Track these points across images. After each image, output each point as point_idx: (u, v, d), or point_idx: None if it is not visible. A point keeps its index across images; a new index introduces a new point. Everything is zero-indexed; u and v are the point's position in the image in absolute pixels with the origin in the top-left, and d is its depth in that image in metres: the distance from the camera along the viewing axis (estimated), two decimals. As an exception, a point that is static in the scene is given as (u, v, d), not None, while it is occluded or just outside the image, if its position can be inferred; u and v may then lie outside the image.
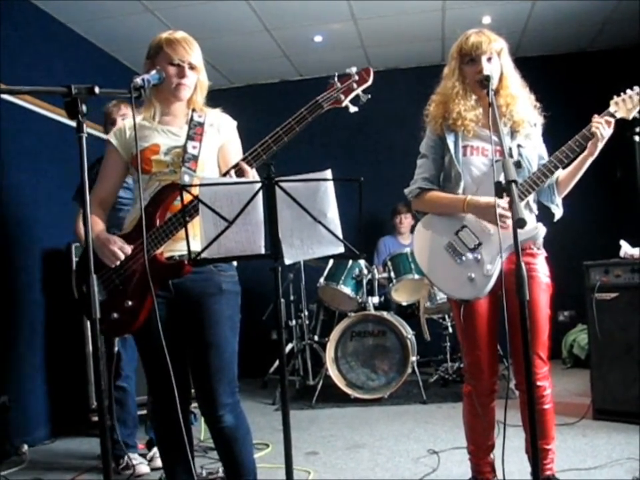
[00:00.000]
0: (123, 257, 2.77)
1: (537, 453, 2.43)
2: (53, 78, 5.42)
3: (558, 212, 3.19)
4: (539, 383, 3.07)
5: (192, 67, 2.87)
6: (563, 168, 3.03)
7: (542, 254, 3.17)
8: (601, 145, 2.96)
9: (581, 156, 3.03)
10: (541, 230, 3.07)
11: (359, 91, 2.83)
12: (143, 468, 4.20)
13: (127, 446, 4.20)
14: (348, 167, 7.32)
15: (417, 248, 3.25)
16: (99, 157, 4.27)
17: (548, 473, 3.22)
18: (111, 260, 2.79)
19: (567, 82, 7.42)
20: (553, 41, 7.36)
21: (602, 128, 2.92)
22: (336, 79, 2.81)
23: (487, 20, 6.55)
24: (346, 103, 2.83)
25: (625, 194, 6.39)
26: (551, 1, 6.29)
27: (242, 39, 6.84)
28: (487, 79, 2.82)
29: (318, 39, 7.02)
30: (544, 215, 3.19)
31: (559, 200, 3.18)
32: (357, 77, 2.81)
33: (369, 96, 2.83)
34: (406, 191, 3.24)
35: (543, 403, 3.11)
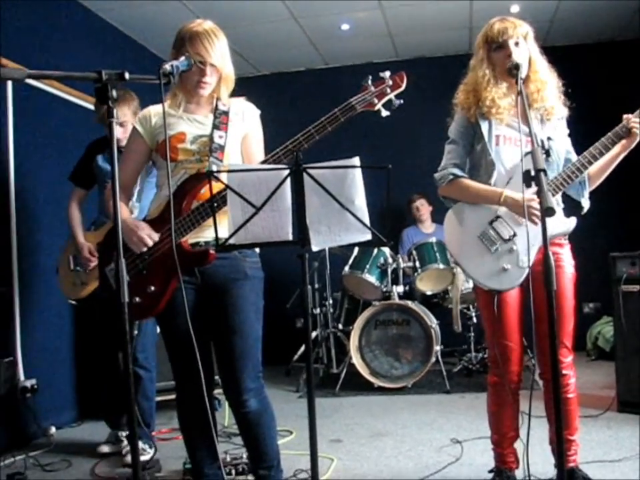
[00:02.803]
0: (151, 243, 2.80)
1: (562, 443, 2.42)
2: (80, 65, 5.44)
3: (586, 204, 3.17)
4: (563, 372, 3.06)
5: (213, 65, 2.86)
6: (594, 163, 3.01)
7: (567, 244, 3.16)
8: (635, 143, 2.95)
9: (614, 152, 3.00)
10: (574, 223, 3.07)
11: (391, 95, 2.85)
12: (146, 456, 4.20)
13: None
14: (371, 156, 7.31)
15: (448, 235, 3.23)
16: (93, 140, 4.32)
17: (571, 464, 3.21)
18: (139, 246, 2.82)
19: (596, 72, 7.34)
20: (582, 30, 7.29)
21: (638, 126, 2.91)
22: (370, 82, 2.82)
23: (515, 9, 6.48)
24: (379, 106, 2.85)
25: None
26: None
27: (269, 27, 6.84)
28: (517, 67, 2.80)
29: (345, 27, 6.99)
30: (569, 207, 3.17)
31: (587, 193, 3.16)
32: (390, 82, 2.84)
33: (401, 101, 2.85)
34: (436, 175, 3.20)
35: (567, 392, 3.10)
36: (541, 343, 3.03)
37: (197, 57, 2.80)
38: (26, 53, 4.96)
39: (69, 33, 5.65)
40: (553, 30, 7.12)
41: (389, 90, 2.84)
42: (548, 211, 2.18)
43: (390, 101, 2.86)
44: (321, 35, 7.20)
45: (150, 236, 2.81)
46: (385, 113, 2.87)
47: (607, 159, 3.05)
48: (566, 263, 3.10)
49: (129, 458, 4.12)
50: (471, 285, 5.88)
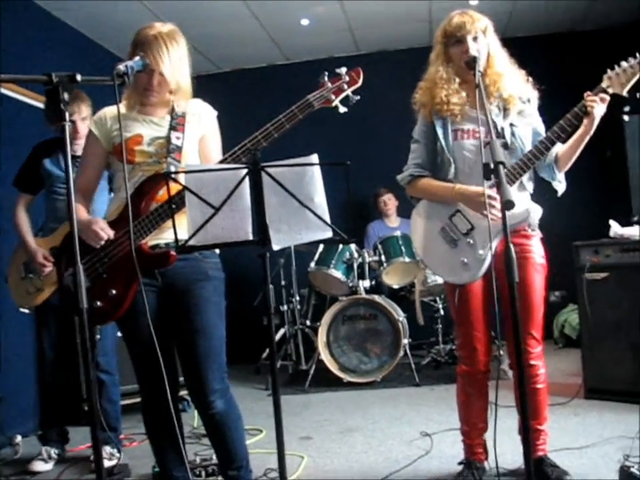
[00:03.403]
0: (105, 237, 2.75)
1: (528, 433, 2.43)
2: (37, 66, 5.36)
3: (560, 187, 3.17)
4: (532, 362, 3.10)
5: (162, 74, 2.81)
6: (563, 142, 3.01)
7: (536, 235, 3.17)
8: (597, 122, 2.93)
9: (578, 133, 2.99)
10: (535, 212, 3.07)
11: (349, 91, 2.85)
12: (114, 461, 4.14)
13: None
14: (333, 151, 7.28)
15: (413, 233, 3.28)
16: (39, 143, 4.22)
17: (540, 453, 3.25)
18: (95, 241, 2.77)
19: (555, 62, 7.38)
20: (541, 21, 7.33)
21: (597, 106, 2.89)
22: (326, 78, 2.82)
23: (474, 1, 6.51)
24: (336, 102, 2.85)
25: (614, 173, 6.41)
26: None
27: (228, 23, 6.79)
28: (474, 60, 2.80)
29: (305, 22, 6.98)
30: (545, 191, 3.18)
31: (560, 176, 3.15)
32: (347, 78, 2.83)
33: (359, 97, 2.84)
34: (398, 177, 3.25)
35: (536, 382, 3.14)
36: (509, 334, 3.04)
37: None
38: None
39: (24, 33, 5.55)
40: (512, 22, 7.15)
41: (345, 86, 2.84)
42: (507, 204, 2.18)
43: (347, 97, 2.86)
44: (280, 30, 7.18)
45: (104, 230, 2.76)
46: (342, 109, 2.87)
47: (572, 142, 3.03)
48: (534, 254, 3.11)
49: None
50: (436, 277, 5.94)
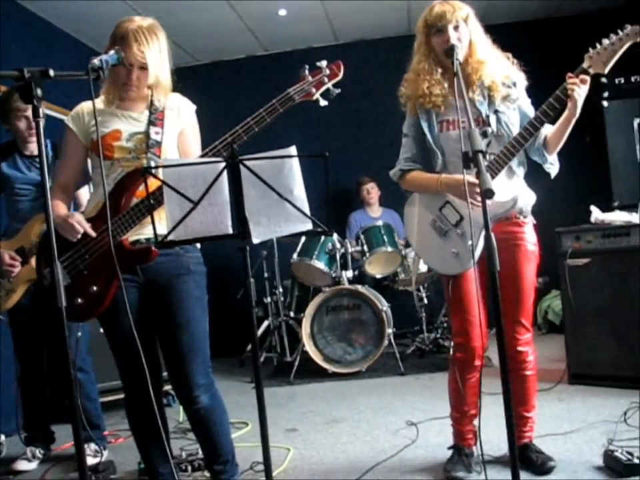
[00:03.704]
0: (81, 230, 2.72)
1: (511, 419, 2.42)
2: (12, 61, 5.30)
3: (553, 169, 3.15)
4: (520, 349, 3.13)
5: (143, 68, 2.79)
6: (551, 123, 2.99)
7: (529, 222, 3.18)
8: (580, 104, 2.89)
9: (563, 117, 2.97)
10: (528, 198, 3.08)
11: (329, 85, 2.84)
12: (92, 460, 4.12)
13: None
14: (314, 141, 7.30)
15: (407, 226, 3.30)
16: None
17: (526, 440, 3.27)
18: (71, 234, 2.74)
19: (534, 48, 7.37)
20: (519, 8, 7.33)
21: (578, 88, 2.87)
22: (307, 71, 2.81)
23: (452, -12, 6.50)
24: (317, 96, 2.84)
25: (594, 159, 6.42)
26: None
27: (205, 14, 6.73)
28: (452, 48, 2.78)
29: (282, 12, 6.93)
30: (538, 175, 3.17)
31: (551, 158, 3.12)
32: (327, 71, 2.83)
33: (339, 90, 2.84)
34: (390, 173, 3.27)
35: (525, 369, 3.16)
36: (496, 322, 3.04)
37: (125, 60, 2.72)
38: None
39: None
40: (490, 9, 7.13)
41: (326, 79, 2.83)
42: (487, 193, 2.17)
43: (328, 90, 2.85)
44: (258, 21, 7.12)
45: (80, 223, 2.73)
46: (323, 103, 2.86)
47: (558, 124, 3.01)
48: (525, 241, 3.12)
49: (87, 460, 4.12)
50: (421, 267, 5.97)
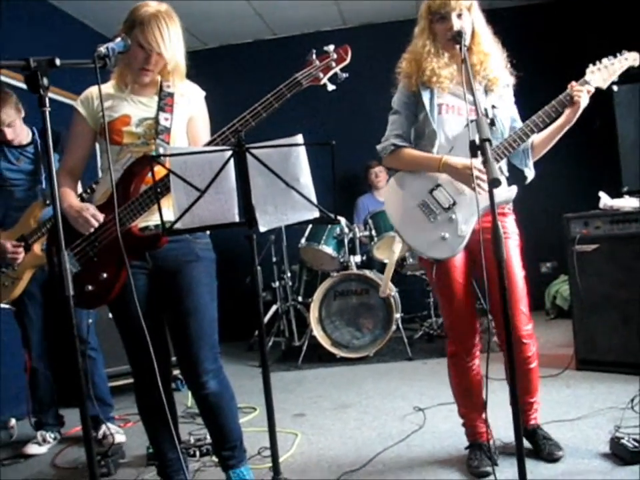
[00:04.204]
0: (96, 224, 2.74)
1: (517, 411, 2.41)
2: (17, 46, 5.31)
3: (530, 174, 3.17)
4: (524, 341, 3.08)
5: (159, 53, 2.79)
6: (538, 132, 3.00)
7: (511, 214, 3.17)
8: (579, 113, 2.95)
9: (558, 123, 3.02)
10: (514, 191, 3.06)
11: (337, 69, 2.82)
12: (119, 437, 4.20)
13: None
14: (322, 126, 7.29)
15: (388, 204, 3.20)
16: None
17: (532, 422, 3.28)
18: (85, 227, 2.76)
19: (544, 32, 7.35)
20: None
21: (583, 96, 2.91)
22: (314, 56, 2.79)
23: (460, -28, 6.45)
24: (324, 80, 2.82)
25: (603, 144, 6.38)
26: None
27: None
28: (459, 34, 2.76)
29: (290, -5, 6.91)
30: (514, 176, 3.17)
31: (531, 163, 3.16)
32: (335, 56, 2.81)
33: (347, 74, 2.82)
34: (378, 147, 3.18)
35: (530, 363, 3.13)
36: (496, 312, 3.03)
37: (146, 43, 2.74)
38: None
39: (8, 15, 5.48)
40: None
41: (334, 64, 2.81)
42: (494, 182, 2.16)
43: (335, 74, 2.83)
44: (266, 5, 7.09)
45: (95, 216, 2.75)
46: (331, 87, 2.84)
47: (551, 130, 3.06)
48: (510, 232, 3.10)
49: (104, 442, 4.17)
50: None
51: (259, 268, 2.36)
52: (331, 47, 2.81)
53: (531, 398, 3.24)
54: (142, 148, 2.84)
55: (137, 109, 2.89)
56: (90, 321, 4.20)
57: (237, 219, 2.30)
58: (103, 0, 6.01)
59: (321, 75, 2.80)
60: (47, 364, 4.34)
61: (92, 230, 2.77)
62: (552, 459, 3.16)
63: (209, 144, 2.73)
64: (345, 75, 2.84)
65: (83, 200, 3.70)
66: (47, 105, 2.02)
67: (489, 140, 2.25)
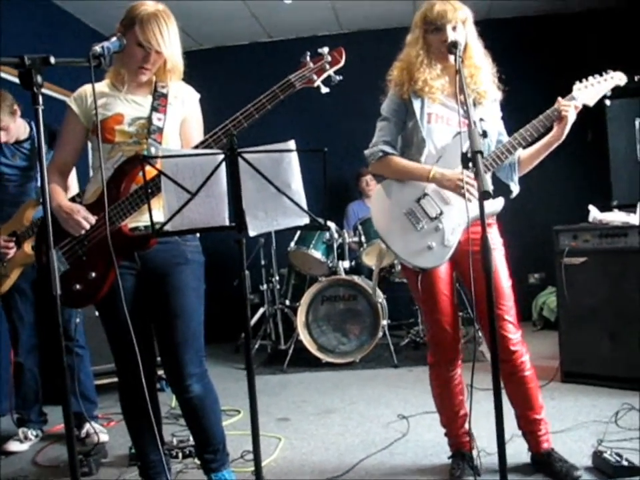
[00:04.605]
0: (87, 226, 2.74)
1: (501, 415, 2.40)
2: (14, 41, 5.29)
3: (516, 189, 3.18)
4: (513, 349, 3.04)
5: (158, 52, 2.79)
6: (525, 145, 3.01)
7: (495, 224, 3.16)
8: (567, 130, 2.96)
9: (546, 140, 3.03)
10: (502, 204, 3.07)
11: (331, 71, 2.83)
12: (102, 436, 4.17)
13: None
14: (315, 130, 7.29)
15: (375, 211, 3.17)
16: None
17: (545, 445, 3.18)
18: (76, 230, 2.76)
19: (536, 44, 7.37)
20: (524, 3, 7.28)
21: (570, 111, 2.93)
22: (308, 58, 2.80)
23: (458, -19, 6.46)
24: (318, 83, 2.83)
25: (595, 158, 6.41)
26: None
27: (211, 0, 6.70)
28: (455, 45, 2.76)
29: (287, 0, 6.91)
30: (499, 189, 3.16)
31: (517, 178, 3.17)
32: (329, 58, 2.82)
33: (341, 77, 2.83)
34: (366, 152, 3.16)
35: (522, 370, 3.08)
36: (483, 322, 3.03)
37: (145, 42, 2.74)
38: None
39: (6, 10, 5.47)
40: (495, 2, 7.10)
41: (327, 66, 2.82)
42: (485, 195, 2.17)
43: (329, 77, 2.84)
44: (263, 7, 7.08)
45: (86, 219, 2.75)
46: (324, 90, 2.85)
47: (539, 146, 3.08)
48: (496, 242, 3.08)
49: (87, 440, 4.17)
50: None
51: (247, 272, 2.36)
52: (325, 49, 2.81)
53: (535, 414, 3.15)
54: (134, 147, 2.84)
55: (131, 108, 2.88)
56: (77, 320, 4.19)
57: (226, 223, 2.30)
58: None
59: (315, 77, 2.81)
60: (35, 360, 4.33)
61: (82, 232, 2.76)
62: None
63: (200, 144, 2.74)
64: (338, 78, 2.84)
65: (75, 202, 3.71)
66: (40, 102, 2.01)
67: (481, 152, 2.26)
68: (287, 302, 6.80)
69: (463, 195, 2.81)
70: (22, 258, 4.00)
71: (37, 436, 4.35)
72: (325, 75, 2.83)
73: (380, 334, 5.88)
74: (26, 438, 4.28)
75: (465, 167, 2.32)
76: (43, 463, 3.98)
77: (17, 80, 4.69)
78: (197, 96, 3.04)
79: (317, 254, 6.12)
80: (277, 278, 6.77)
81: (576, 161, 6.96)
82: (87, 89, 2.92)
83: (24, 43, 5.40)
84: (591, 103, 3.02)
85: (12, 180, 4.15)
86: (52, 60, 2.03)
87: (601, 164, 5.90)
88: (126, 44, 2.64)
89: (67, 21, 6.62)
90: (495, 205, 3.00)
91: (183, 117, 2.97)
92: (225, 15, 7.17)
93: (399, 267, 6.23)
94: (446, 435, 3.35)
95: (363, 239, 6.16)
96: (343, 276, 6.02)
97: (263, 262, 6.87)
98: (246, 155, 2.21)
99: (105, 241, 2.66)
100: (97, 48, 2.37)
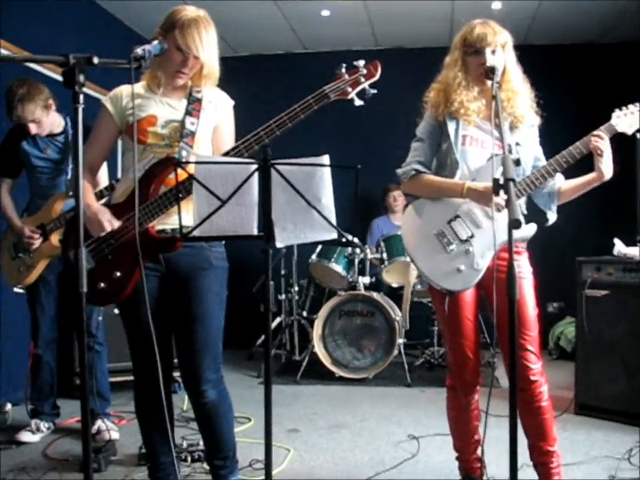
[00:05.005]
0: (109, 228, 2.76)
1: (515, 445, 2.40)
2: (63, 44, 5.37)
3: (552, 218, 3.17)
4: (533, 378, 2.99)
5: (196, 57, 2.82)
6: (561, 171, 3.00)
7: (525, 252, 3.13)
8: (607, 169, 2.95)
9: (588, 177, 3.01)
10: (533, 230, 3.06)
11: (365, 84, 2.83)
12: (114, 434, 4.20)
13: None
14: (345, 144, 7.32)
15: (405, 230, 3.19)
16: (13, 127, 4.23)
17: (556, 478, 3.11)
18: (97, 230, 2.78)
19: (572, 73, 7.37)
20: (562, 31, 7.28)
21: (601, 144, 2.91)
22: (344, 69, 2.80)
23: (497, 5, 6.44)
24: (352, 95, 2.83)
25: (622, 191, 6.36)
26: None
27: (250, 9, 6.75)
28: (492, 70, 2.76)
29: (325, 13, 6.95)
30: (533, 216, 3.16)
31: (555, 207, 3.16)
32: (364, 71, 2.82)
33: (375, 90, 2.83)
34: (399, 171, 3.16)
35: (540, 400, 3.02)
36: (504, 350, 3.00)
37: (185, 47, 2.76)
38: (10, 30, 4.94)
39: (48, 8, 5.56)
40: (533, 29, 7.10)
41: (362, 79, 2.83)
42: (514, 223, 2.17)
43: (364, 90, 2.84)
44: (301, 19, 7.15)
45: (110, 221, 2.77)
46: (358, 102, 2.85)
47: (581, 182, 3.06)
48: (525, 271, 3.05)
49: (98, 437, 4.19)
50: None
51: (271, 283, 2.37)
52: (361, 62, 2.82)
53: (549, 446, 3.08)
54: (165, 149, 2.86)
55: (164, 110, 2.90)
56: (100, 318, 4.24)
57: (255, 232, 2.31)
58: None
59: (349, 89, 2.81)
60: (53, 354, 4.37)
61: (103, 234, 2.78)
62: None
63: (232, 150, 2.75)
64: (373, 91, 2.84)
65: (102, 195, 3.75)
66: (81, 101, 2.04)
67: (513, 180, 2.26)
68: (305, 313, 6.82)
69: (497, 209, 2.81)
70: (49, 249, 4.05)
71: (48, 428, 4.39)
72: (359, 88, 2.83)
73: (395, 352, 5.87)
74: (38, 429, 4.32)
75: (497, 193, 2.32)
76: (53, 455, 4.00)
77: (55, 76, 4.84)
78: (231, 103, 3.06)
79: (338, 268, 6.13)
80: (296, 289, 6.78)
81: (603, 193, 6.89)
82: (123, 89, 2.95)
83: (65, 41, 5.48)
84: (629, 131, 2.99)
85: (44, 172, 4.21)
86: (95, 60, 2.05)
87: (628, 198, 5.86)
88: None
89: (107, 21, 6.70)
90: (526, 230, 3.00)
91: (216, 122, 2.99)
92: (262, 24, 7.25)
93: (418, 287, 6.24)
94: (457, 458, 3.32)
95: (385, 255, 6.17)
96: (362, 291, 6.02)
97: (283, 272, 6.89)
98: (279, 167, 2.22)
99: (131, 241, 2.68)
100: (139, 50, 2.40)
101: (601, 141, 2.91)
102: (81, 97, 2.03)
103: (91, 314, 4.18)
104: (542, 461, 3.09)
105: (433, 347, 6.63)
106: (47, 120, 4.12)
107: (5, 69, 4.47)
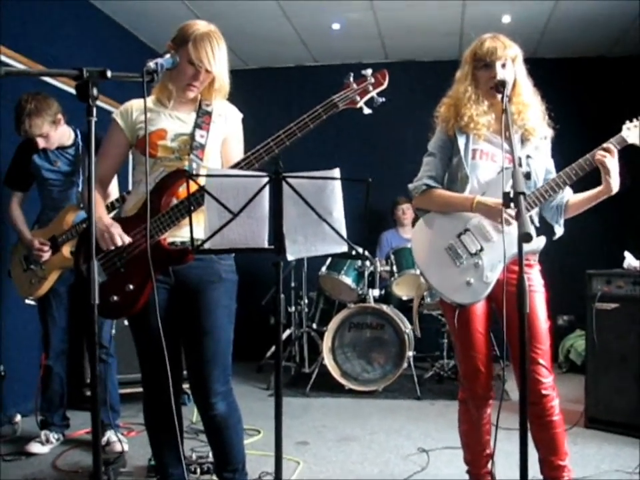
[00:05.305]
0: (119, 243, 2.76)
1: (526, 460, 2.40)
2: (78, 58, 5.40)
3: (559, 231, 3.16)
4: (544, 392, 2.98)
5: (207, 70, 2.84)
6: (571, 184, 3.00)
7: (537, 265, 3.13)
8: (614, 183, 2.93)
9: (596, 191, 3.01)
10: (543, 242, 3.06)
11: (374, 93, 2.85)
12: (123, 446, 4.20)
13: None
14: (357, 158, 7.33)
15: (415, 244, 3.20)
16: (24, 140, 4.24)
17: None
18: (106, 244, 2.78)
19: (582, 86, 7.38)
20: (571, 44, 7.29)
21: (608, 159, 2.89)
22: (352, 79, 2.82)
23: (506, 19, 6.46)
24: (361, 104, 2.85)
25: (633, 204, 6.36)
26: (574, 0, 6.17)
27: (260, 22, 6.80)
28: (502, 84, 2.77)
29: (336, 26, 6.98)
30: (543, 229, 3.16)
31: (562, 220, 3.16)
32: (372, 80, 2.84)
33: (383, 99, 2.84)
34: (410, 186, 3.18)
35: (551, 415, 3.01)
36: (515, 363, 3.00)
37: (197, 60, 2.78)
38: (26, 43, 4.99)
39: (67, 25, 5.61)
40: (542, 42, 7.12)
41: (371, 87, 2.84)
42: (525, 237, 2.17)
43: (372, 98, 2.86)
44: (311, 32, 7.18)
45: (121, 236, 2.77)
46: (367, 111, 2.86)
47: (588, 195, 3.05)
48: (536, 284, 3.05)
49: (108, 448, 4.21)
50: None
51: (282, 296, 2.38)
52: (369, 71, 2.84)
53: (559, 460, 3.06)
54: (175, 162, 2.87)
55: (174, 124, 2.92)
56: (113, 331, 4.27)
57: (265, 245, 2.32)
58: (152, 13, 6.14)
59: (358, 98, 2.83)
60: (63, 365, 4.39)
61: (112, 248, 2.79)
62: None
63: (242, 161, 2.76)
64: (381, 100, 2.86)
65: (113, 207, 3.77)
66: (94, 114, 2.06)
67: (523, 193, 2.26)
68: (314, 325, 6.83)
69: (507, 224, 2.81)
70: (60, 261, 4.08)
71: (58, 439, 4.40)
72: (368, 97, 2.85)
73: (405, 364, 5.86)
74: (47, 441, 4.33)
75: (507, 206, 2.33)
76: (63, 467, 4.01)
77: (68, 89, 4.88)
78: (240, 116, 3.08)
79: (348, 280, 6.13)
80: (306, 301, 6.78)
81: (613, 206, 6.90)
82: (133, 103, 2.97)
83: (76, 52, 5.52)
84: None
85: (55, 185, 4.24)
86: (109, 74, 2.07)
87: (638, 211, 5.87)
88: None
89: (117, 33, 6.75)
90: (537, 243, 3.00)
91: (225, 135, 3.01)
92: (272, 37, 7.28)
93: (428, 299, 6.23)
94: (468, 472, 3.30)
95: (394, 268, 6.17)
96: (372, 304, 6.02)
97: (293, 284, 6.90)
98: (290, 180, 2.23)
99: (143, 253, 2.69)
100: (151, 64, 2.42)
101: (608, 155, 2.91)
102: (94, 110, 2.05)
103: (101, 325, 4.20)
104: (553, 475, 3.07)
105: (442, 360, 6.61)
106: (55, 134, 4.14)
107: (22, 82, 4.51)
